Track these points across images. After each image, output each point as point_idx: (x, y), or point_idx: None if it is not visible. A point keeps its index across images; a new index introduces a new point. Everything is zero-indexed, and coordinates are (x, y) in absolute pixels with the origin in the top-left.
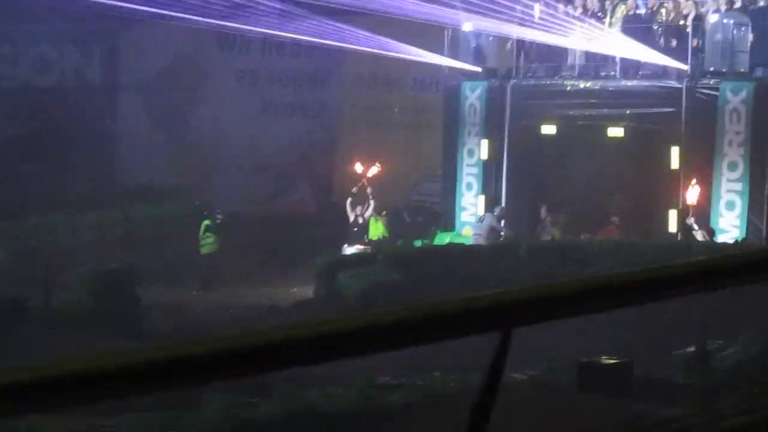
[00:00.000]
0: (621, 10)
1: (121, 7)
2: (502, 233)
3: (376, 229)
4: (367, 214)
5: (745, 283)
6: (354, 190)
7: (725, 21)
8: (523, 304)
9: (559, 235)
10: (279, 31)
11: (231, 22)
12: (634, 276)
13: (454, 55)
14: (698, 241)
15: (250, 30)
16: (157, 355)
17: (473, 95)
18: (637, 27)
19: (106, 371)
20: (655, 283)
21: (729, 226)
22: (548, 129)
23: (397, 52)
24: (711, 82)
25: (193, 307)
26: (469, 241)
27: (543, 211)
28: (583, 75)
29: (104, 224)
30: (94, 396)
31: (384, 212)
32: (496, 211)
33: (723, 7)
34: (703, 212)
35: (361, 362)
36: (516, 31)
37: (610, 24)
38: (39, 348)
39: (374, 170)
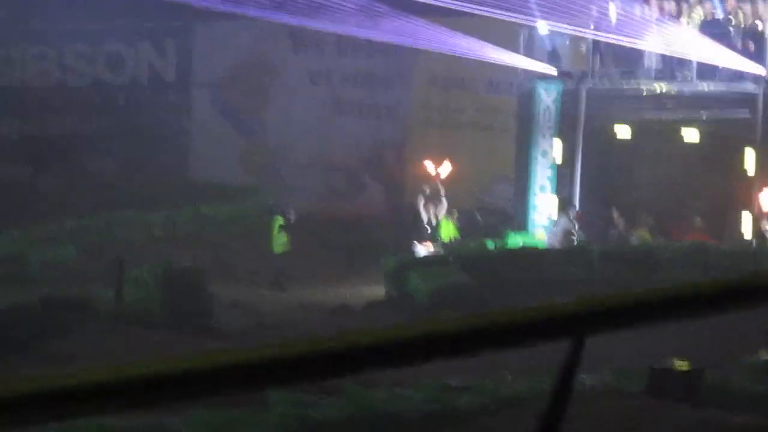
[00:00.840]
0: (698, 14)
1: (196, 3)
2: (575, 236)
3: (447, 230)
4: (440, 214)
5: None
6: (426, 190)
7: None
8: (597, 313)
9: (649, 237)
10: (353, 29)
11: (305, 19)
12: (711, 286)
13: (529, 57)
14: None
15: (324, 28)
16: (229, 358)
17: (548, 97)
18: (714, 30)
19: (180, 374)
20: (732, 293)
21: None
22: (623, 132)
23: (472, 52)
24: None
25: (264, 306)
26: (542, 244)
27: (615, 214)
28: (658, 78)
29: (175, 222)
30: (170, 397)
31: (456, 213)
32: (571, 213)
33: None
34: None
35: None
36: (592, 33)
37: (687, 27)
38: (110, 345)
39: (447, 170)
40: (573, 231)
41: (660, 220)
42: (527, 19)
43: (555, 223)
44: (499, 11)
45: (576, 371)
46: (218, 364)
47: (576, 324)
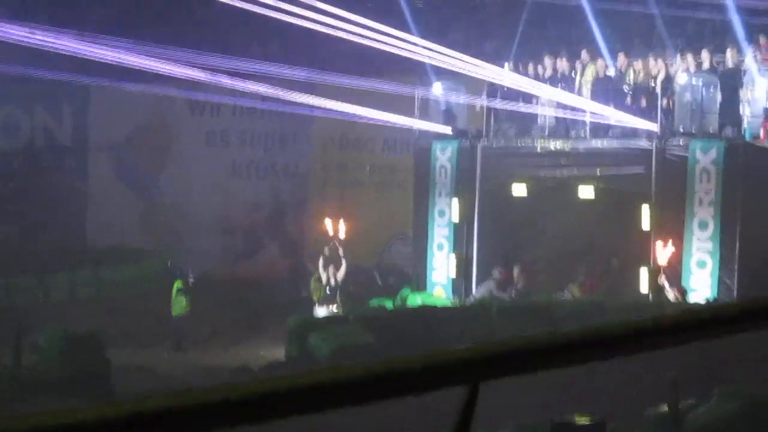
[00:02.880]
0: (591, 71)
1: (91, 68)
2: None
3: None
4: (339, 274)
5: (718, 335)
6: (326, 250)
7: (694, 81)
8: (490, 358)
9: (578, 292)
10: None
11: (203, 91)
12: (605, 330)
13: (424, 116)
14: (670, 300)
15: (220, 94)
16: (140, 407)
17: (443, 156)
18: (607, 88)
19: (85, 425)
20: (626, 337)
21: (700, 285)
22: (519, 189)
23: (368, 116)
24: (681, 142)
25: (164, 369)
26: (441, 302)
27: (516, 272)
28: (553, 135)
29: (75, 285)
30: None
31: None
32: (495, 274)
33: (692, 68)
34: (675, 271)
35: (329, 420)
36: (485, 93)
37: (580, 85)
38: (8, 410)
39: (346, 230)
40: (497, 293)
41: (558, 276)
42: (422, 80)
43: (480, 286)
44: (394, 73)
45: (471, 418)
46: (128, 412)
47: (470, 370)
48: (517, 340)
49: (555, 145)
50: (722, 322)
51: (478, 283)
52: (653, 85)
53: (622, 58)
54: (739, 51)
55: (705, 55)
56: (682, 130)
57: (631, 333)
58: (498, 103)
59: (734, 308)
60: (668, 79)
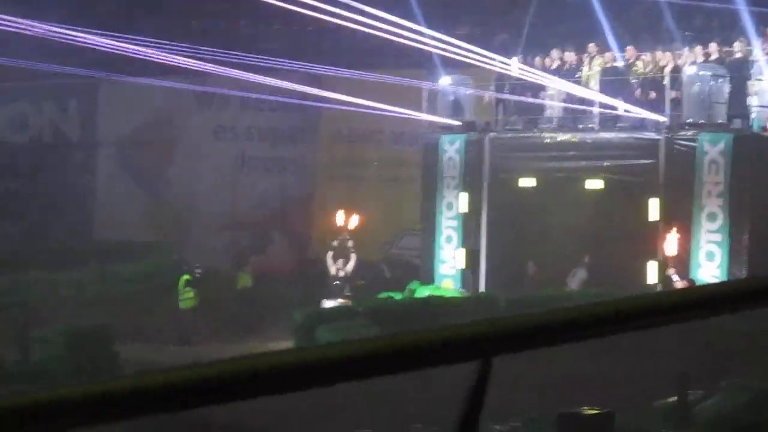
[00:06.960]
0: (598, 63)
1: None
2: None
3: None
4: (349, 267)
5: (725, 312)
6: (335, 243)
7: (702, 73)
8: (504, 332)
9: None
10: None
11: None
12: (616, 305)
13: (432, 109)
14: None
15: (227, 88)
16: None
17: (452, 148)
18: (615, 79)
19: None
20: (637, 312)
21: (709, 276)
22: (527, 182)
23: (375, 108)
24: (689, 134)
25: (171, 363)
26: (449, 293)
27: (531, 266)
28: (561, 127)
29: (82, 281)
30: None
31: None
32: (588, 262)
33: (700, 59)
34: (683, 263)
35: (339, 414)
36: (494, 85)
37: (588, 76)
38: None
39: (354, 223)
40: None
41: (566, 268)
42: (431, 72)
43: (572, 274)
44: (403, 65)
45: (484, 394)
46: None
47: (483, 344)
48: (529, 315)
49: (563, 136)
50: (720, 301)
51: (487, 275)
52: (662, 76)
53: (630, 50)
54: (747, 42)
55: (713, 46)
56: (690, 122)
57: (643, 308)
58: (506, 95)
59: (729, 288)
60: (677, 70)
